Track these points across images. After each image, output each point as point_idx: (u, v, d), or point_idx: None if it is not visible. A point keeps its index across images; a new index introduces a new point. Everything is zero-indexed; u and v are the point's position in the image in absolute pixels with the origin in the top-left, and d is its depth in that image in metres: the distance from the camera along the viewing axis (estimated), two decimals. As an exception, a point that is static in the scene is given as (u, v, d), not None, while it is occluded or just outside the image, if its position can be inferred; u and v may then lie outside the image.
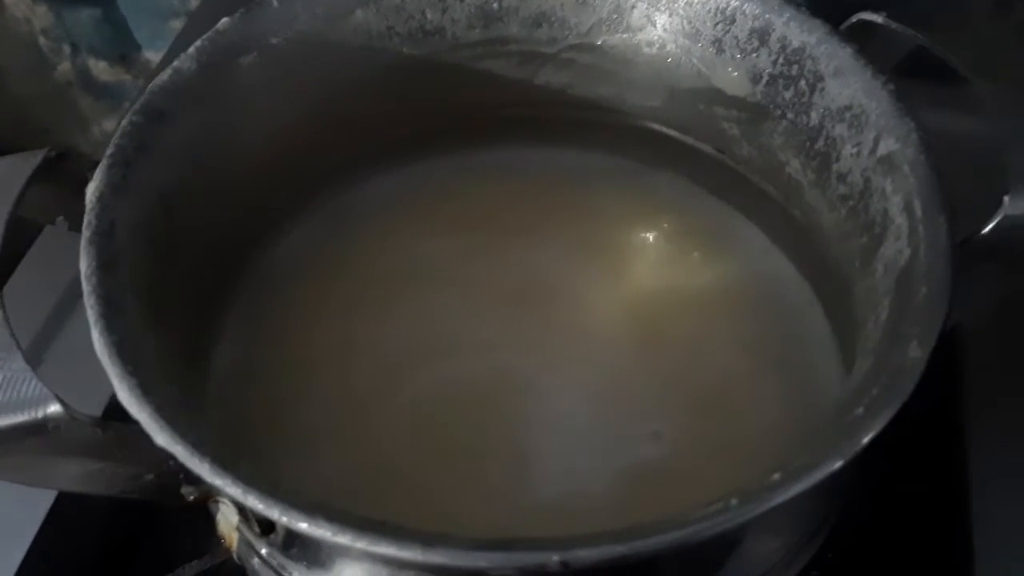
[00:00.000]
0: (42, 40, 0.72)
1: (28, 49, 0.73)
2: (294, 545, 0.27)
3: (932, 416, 0.37)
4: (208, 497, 0.28)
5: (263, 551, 0.28)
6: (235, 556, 0.29)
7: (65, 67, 0.74)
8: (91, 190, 0.28)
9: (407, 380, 0.34)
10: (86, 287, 0.26)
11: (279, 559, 0.28)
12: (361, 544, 0.21)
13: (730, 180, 0.37)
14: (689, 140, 0.38)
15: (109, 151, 0.29)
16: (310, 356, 0.35)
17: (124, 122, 0.30)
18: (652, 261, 0.38)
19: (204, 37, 0.32)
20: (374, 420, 0.33)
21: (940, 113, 0.31)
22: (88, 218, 0.28)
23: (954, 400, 0.38)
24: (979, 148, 0.29)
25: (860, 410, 0.23)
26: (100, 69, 0.73)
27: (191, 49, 0.32)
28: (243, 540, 0.29)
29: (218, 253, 0.34)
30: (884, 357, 0.24)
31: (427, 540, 0.21)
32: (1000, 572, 0.34)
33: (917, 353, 0.23)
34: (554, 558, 0.20)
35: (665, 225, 0.38)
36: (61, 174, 0.32)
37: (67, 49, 0.72)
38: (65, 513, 0.37)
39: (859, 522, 0.33)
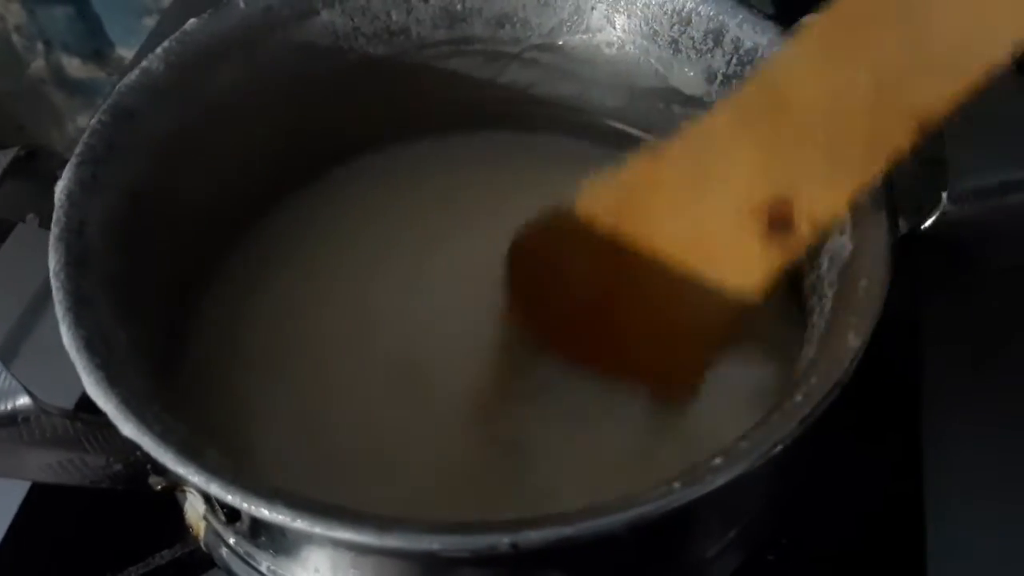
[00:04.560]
0: (15, 37, 0.72)
1: (1, 46, 0.72)
2: (260, 533, 0.27)
3: (891, 403, 0.38)
4: (176, 486, 0.29)
5: (230, 540, 0.29)
6: (203, 545, 0.30)
7: (39, 64, 0.74)
8: (60, 188, 0.29)
9: (380, 361, 0.34)
10: (55, 284, 0.27)
11: (246, 547, 0.28)
12: (319, 529, 0.22)
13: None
14: (652, 139, 0.38)
15: (78, 150, 0.30)
16: (286, 344, 0.35)
17: (93, 121, 0.30)
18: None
19: (172, 37, 0.33)
20: (351, 400, 0.33)
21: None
22: (57, 216, 0.28)
23: (910, 389, 0.39)
24: (927, 141, 0.30)
25: (800, 397, 0.24)
26: (74, 66, 0.73)
27: (159, 49, 0.32)
28: (210, 529, 0.29)
29: (191, 247, 0.34)
30: (825, 346, 0.26)
31: (382, 524, 0.21)
32: (952, 547, 0.35)
33: (854, 343, 0.24)
34: (504, 540, 0.21)
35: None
36: (32, 172, 0.32)
37: (41, 46, 0.72)
38: (38, 503, 0.37)
39: (813, 505, 0.34)
